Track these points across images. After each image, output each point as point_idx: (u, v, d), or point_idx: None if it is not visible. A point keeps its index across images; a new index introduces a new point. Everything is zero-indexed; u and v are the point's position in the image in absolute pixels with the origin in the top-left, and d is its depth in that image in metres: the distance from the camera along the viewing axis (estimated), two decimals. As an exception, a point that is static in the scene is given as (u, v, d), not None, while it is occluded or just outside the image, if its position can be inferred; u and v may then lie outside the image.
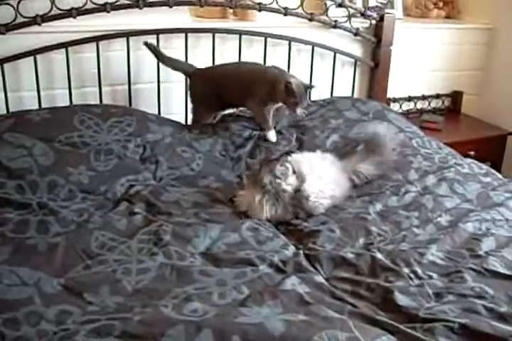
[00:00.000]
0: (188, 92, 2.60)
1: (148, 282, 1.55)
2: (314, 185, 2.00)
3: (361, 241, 1.84)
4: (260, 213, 1.94)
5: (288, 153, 2.13)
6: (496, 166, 3.15)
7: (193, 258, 1.68)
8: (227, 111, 2.66)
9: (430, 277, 1.66)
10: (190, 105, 2.72)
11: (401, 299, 1.54)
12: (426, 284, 1.62)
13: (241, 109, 2.72)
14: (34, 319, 1.38)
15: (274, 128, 2.50)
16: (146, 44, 2.49)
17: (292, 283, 1.58)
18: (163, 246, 1.70)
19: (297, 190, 1.97)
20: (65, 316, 1.40)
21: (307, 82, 2.57)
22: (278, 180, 1.93)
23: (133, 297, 1.49)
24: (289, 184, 1.95)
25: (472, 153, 2.99)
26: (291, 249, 1.79)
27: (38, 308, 1.41)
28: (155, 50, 2.51)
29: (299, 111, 2.31)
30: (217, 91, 2.46)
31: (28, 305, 1.42)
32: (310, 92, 2.34)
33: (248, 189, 2.00)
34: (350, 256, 1.73)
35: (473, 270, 1.68)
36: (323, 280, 1.63)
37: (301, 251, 1.77)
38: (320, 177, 2.03)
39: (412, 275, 1.65)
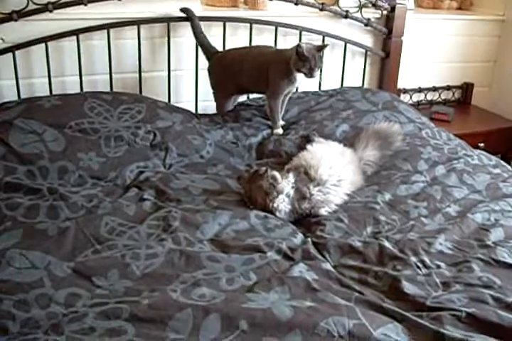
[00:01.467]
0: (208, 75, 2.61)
1: (156, 267, 1.55)
2: (329, 206, 1.96)
3: (369, 229, 1.84)
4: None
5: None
6: (506, 158, 3.13)
7: (201, 244, 1.68)
8: (244, 96, 2.72)
9: (438, 266, 1.66)
10: (201, 93, 2.74)
11: (408, 287, 1.54)
12: (433, 273, 1.62)
13: (252, 97, 2.74)
14: (44, 301, 1.39)
15: (282, 119, 2.52)
16: (182, 10, 2.56)
17: (300, 270, 1.58)
18: (172, 232, 1.71)
19: (311, 208, 1.93)
20: (74, 299, 1.41)
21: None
22: (271, 197, 1.89)
23: (141, 281, 1.50)
24: (280, 185, 1.91)
25: (482, 144, 2.99)
26: (300, 236, 1.80)
27: (48, 291, 1.43)
28: (192, 17, 2.56)
29: (316, 73, 2.31)
30: (233, 75, 2.48)
31: (38, 287, 1.43)
32: (323, 52, 2.34)
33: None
34: (358, 244, 1.73)
35: (481, 260, 1.68)
36: (330, 268, 1.64)
37: (309, 239, 1.78)
38: (339, 182, 2.00)
39: (419, 265, 1.65)
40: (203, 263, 1.58)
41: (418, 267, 1.64)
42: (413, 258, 1.67)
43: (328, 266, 1.65)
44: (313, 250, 1.71)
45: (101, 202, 1.88)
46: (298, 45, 2.26)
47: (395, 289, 1.55)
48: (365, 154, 2.25)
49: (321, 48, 2.31)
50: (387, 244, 1.73)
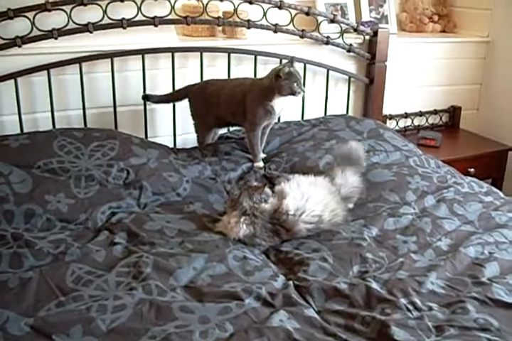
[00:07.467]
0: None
1: (124, 320, 1.42)
2: (295, 200, 1.91)
3: (355, 269, 1.73)
4: (233, 233, 1.86)
5: (270, 179, 2.03)
6: (497, 183, 3.06)
7: (174, 292, 1.55)
8: (225, 129, 2.65)
9: (430, 308, 1.54)
10: (180, 126, 2.67)
11: (398, 334, 1.41)
12: (425, 316, 1.50)
13: (232, 129, 2.65)
14: (-4, 366, 1.27)
15: (263, 152, 2.43)
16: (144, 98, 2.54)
17: (280, 318, 1.46)
18: (143, 279, 1.59)
19: (277, 208, 1.89)
20: (31, 362, 1.29)
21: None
22: (256, 205, 1.87)
23: (107, 337, 1.36)
24: (268, 203, 1.90)
25: (472, 170, 2.91)
26: (281, 279, 1.67)
27: (1, 354, 1.30)
28: (155, 98, 2.54)
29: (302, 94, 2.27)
30: (212, 108, 2.40)
31: (-10, 351, 1.31)
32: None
33: (228, 213, 1.91)
34: (343, 286, 1.61)
35: (476, 299, 1.56)
36: (314, 314, 1.51)
37: (291, 282, 1.65)
38: (304, 194, 1.94)
39: (410, 307, 1.53)
40: (175, 314, 1.45)
41: (408, 310, 1.53)
42: (403, 300, 1.55)
43: (311, 312, 1.52)
44: (295, 295, 1.58)
45: (69, 247, 1.75)
46: (279, 70, 2.19)
47: (383, 336, 1.42)
48: (348, 181, 2.14)
49: (291, 62, 2.29)
50: (374, 285, 1.61)
